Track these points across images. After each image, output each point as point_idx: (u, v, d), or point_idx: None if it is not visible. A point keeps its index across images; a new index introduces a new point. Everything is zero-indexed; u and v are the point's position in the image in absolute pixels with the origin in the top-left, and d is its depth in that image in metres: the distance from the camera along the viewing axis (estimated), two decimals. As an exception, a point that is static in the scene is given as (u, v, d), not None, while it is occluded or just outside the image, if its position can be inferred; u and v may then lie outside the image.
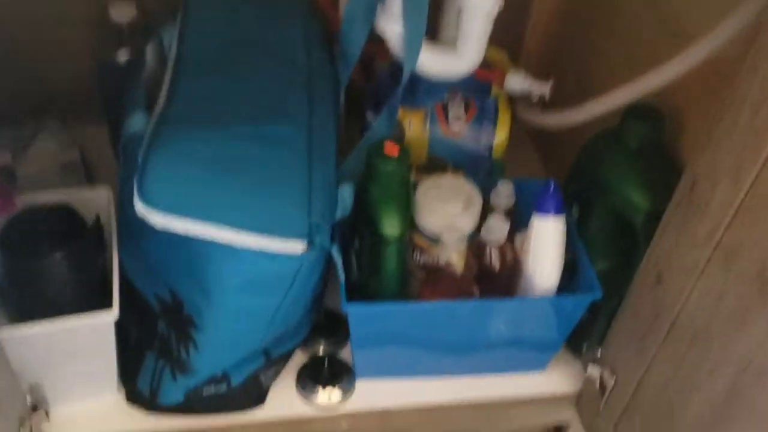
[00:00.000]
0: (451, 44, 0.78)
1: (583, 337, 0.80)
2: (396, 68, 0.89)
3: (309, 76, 0.73)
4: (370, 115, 0.87)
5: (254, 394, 0.77)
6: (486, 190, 0.76)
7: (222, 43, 0.73)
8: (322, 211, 0.64)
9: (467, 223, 0.74)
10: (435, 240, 0.74)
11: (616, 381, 0.73)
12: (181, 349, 0.70)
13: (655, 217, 0.65)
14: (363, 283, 0.76)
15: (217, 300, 0.65)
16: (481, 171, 0.87)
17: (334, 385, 0.79)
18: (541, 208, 0.71)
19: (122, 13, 0.82)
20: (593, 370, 0.75)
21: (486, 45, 0.77)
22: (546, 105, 0.88)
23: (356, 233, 0.75)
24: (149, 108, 0.69)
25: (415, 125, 0.85)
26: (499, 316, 0.74)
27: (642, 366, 0.68)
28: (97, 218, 0.70)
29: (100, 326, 0.67)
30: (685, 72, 0.65)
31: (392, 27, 0.76)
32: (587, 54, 0.93)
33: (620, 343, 0.72)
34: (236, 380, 0.74)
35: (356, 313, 0.71)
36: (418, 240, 0.76)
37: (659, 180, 0.69)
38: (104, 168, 0.92)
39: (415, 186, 0.75)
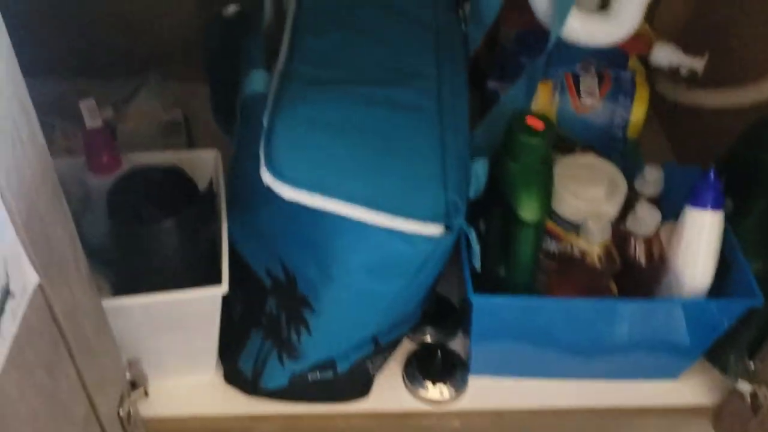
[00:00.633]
0: (594, 8, 0.70)
1: (725, 345, 0.71)
2: (525, 34, 0.82)
3: (437, 36, 0.68)
4: (493, 84, 0.81)
5: (360, 383, 0.71)
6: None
7: None
8: (458, 188, 0.57)
9: (611, 210, 0.67)
10: (571, 227, 0.67)
11: (773, 399, 0.65)
12: (291, 331, 0.64)
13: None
14: (488, 270, 0.68)
15: (338, 281, 0.59)
16: (614, 152, 0.79)
17: (445, 380, 0.72)
18: (698, 201, 0.64)
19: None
20: (744, 385, 0.67)
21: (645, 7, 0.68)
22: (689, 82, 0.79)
23: (484, 214, 0.68)
24: (268, 66, 0.64)
25: (541, 97, 0.78)
26: (641, 318, 0.67)
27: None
28: (210, 183, 0.64)
29: (207, 300, 0.62)
30: None
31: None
32: (741, 26, 0.83)
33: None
34: (342, 367, 0.68)
35: (483, 305, 0.65)
36: (550, 226, 0.68)
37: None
38: (204, 129, 0.86)
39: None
